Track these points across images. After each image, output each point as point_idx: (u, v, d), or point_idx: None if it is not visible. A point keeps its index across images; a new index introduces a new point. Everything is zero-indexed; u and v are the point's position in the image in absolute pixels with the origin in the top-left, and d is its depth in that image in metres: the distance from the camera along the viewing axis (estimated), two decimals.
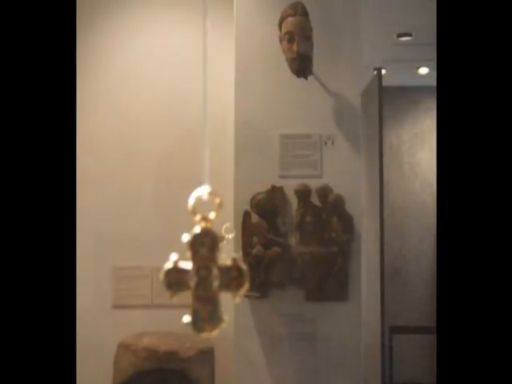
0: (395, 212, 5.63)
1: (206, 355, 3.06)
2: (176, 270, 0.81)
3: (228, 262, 0.81)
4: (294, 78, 2.91)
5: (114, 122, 3.59)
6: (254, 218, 2.99)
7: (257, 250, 2.94)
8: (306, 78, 2.93)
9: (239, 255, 2.92)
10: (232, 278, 0.81)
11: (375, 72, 4.95)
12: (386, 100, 5.00)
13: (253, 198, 2.99)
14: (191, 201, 0.81)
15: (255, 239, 2.96)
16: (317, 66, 2.98)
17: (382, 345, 4.66)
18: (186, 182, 2.83)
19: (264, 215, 2.98)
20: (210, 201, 0.81)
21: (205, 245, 0.80)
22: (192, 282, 0.80)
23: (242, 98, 3.10)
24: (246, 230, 2.98)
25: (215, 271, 0.80)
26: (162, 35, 3.64)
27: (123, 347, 3.06)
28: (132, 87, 3.60)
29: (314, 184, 3.02)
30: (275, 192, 3.02)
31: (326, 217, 2.98)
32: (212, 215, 0.81)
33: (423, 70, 5.26)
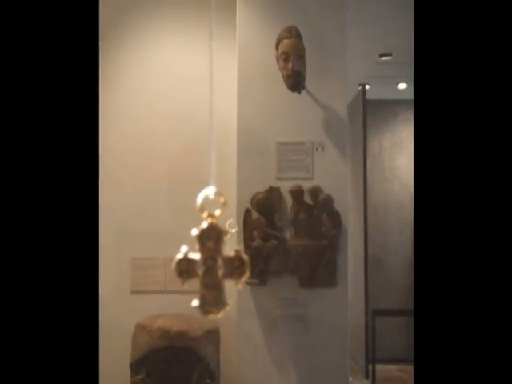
0: (377, 209, 5.63)
1: (212, 335, 3.06)
2: (186, 260, 0.81)
3: (231, 253, 0.81)
4: (289, 92, 2.91)
5: (132, 130, 3.58)
6: (254, 214, 2.99)
7: (256, 242, 2.94)
8: (300, 93, 2.93)
9: (241, 247, 2.92)
10: (235, 267, 0.81)
11: (360, 87, 4.96)
12: (370, 112, 5.00)
13: (253, 197, 2.99)
14: (199, 200, 0.81)
15: (255, 233, 2.96)
16: (309, 81, 2.98)
17: (366, 325, 4.66)
18: (194, 183, 2.80)
19: (263, 212, 2.98)
20: (216, 200, 0.81)
21: (211, 238, 0.80)
22: (200, 271, 0.80)
23: (244, 109, 3.10)
24: (247, 225, 2.98)
25: (220, 261, 0.80)
26: (174, 54, 3.63)
27: (140, 327, 3.05)
28: (148, 100, 3.59)
29: (306, 185, 3.01)
30: (273, 192, 3.01)
31: (317, 214, 2.98)
32: (217, 212, 0.81)
33: (402, 86, 5.26)
